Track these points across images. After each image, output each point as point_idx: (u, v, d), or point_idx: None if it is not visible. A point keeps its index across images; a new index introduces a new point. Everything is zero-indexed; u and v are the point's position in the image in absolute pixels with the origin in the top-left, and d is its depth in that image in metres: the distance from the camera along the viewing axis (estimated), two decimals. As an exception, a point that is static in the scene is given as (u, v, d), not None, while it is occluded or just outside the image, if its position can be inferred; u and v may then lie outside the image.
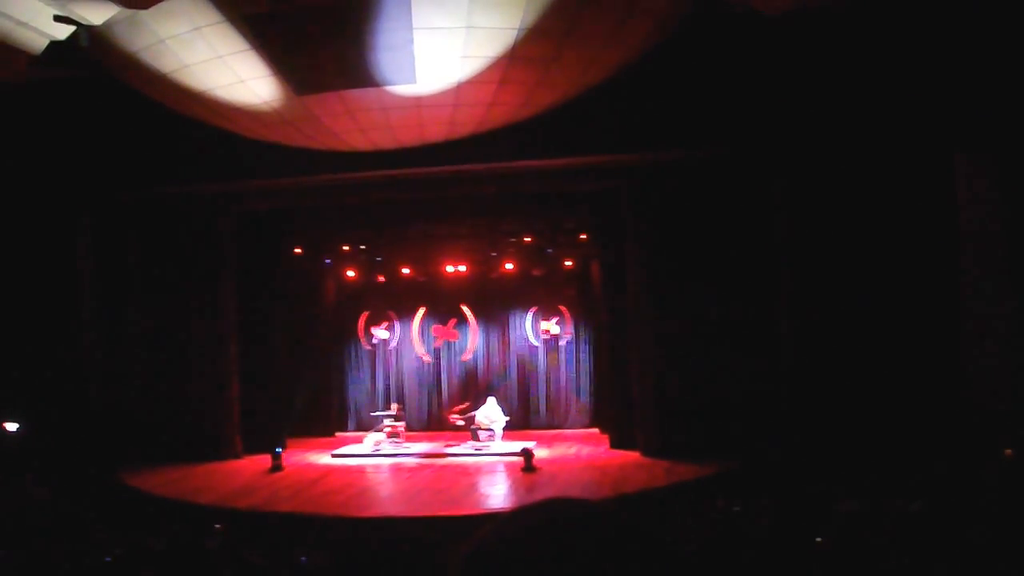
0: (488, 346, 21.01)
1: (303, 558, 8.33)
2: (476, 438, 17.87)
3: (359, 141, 14.24)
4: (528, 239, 19.36)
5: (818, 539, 7.15)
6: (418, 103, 13.07)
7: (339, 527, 12.18)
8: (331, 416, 21.01)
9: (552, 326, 20.50)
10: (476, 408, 18.53)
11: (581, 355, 20.66)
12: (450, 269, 20.16)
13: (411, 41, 11.83)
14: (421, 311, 21.03)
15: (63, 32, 12.47)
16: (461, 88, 12.82)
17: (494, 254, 19.65)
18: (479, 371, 21.03)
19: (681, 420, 16.01)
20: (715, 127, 14.80)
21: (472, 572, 1.25)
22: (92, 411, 16.96)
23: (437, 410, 20.93)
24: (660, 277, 16.33)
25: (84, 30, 12.27)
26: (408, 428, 19.14)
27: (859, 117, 14.17)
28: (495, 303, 20.82)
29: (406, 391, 21.16)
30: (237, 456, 17.66)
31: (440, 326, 20.97)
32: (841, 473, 11.60)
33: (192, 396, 17.67)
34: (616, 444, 17.43)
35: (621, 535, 1.25)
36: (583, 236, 19.14)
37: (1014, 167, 13.80)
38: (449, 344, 21.14)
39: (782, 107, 14.46)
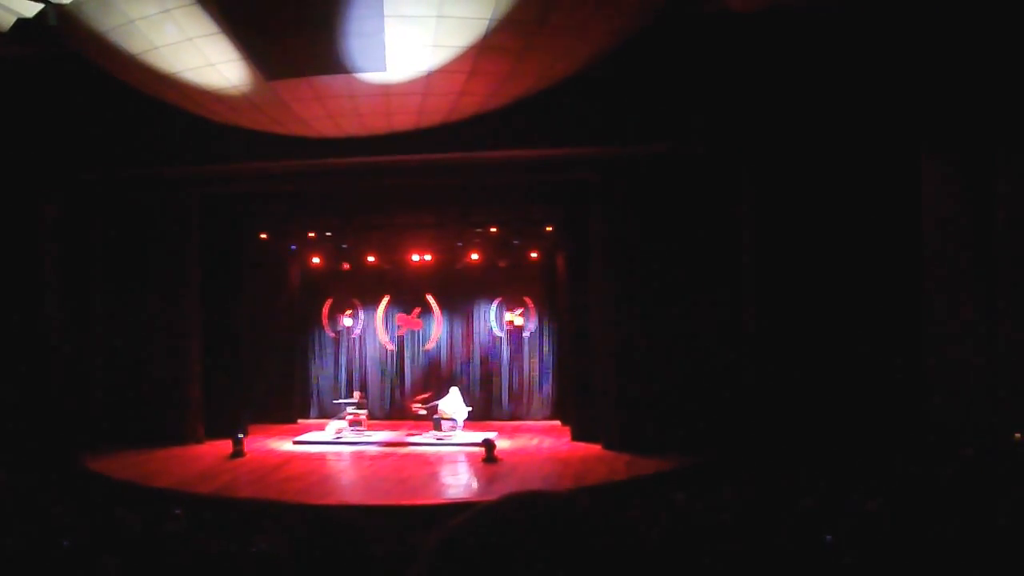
0: (452, 336, 21.00)
1: (262, 544, 8.30)
2: (438, 428, 17.88)
3: (327, 128, 14.19)
4: (494, 230, 19.30)
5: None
6: (387, 91, 13.06)
7: (299, 514, 12.14)
8: (293, 403, 20.91)
9: (516, 317, 20.50)
10: (439, 398, 18.54)
11: (545, 347, 20.68)
12: (416, 258, 20.06)
13: (382, 29, 11.81)
14: (385, 299, 20.99)
15: (31, 10, 12.35)
16: (431, 77, 12.82)
17: (460, 244, 19.59)
18: (442, 361, 21.02)
19: (642, 414, 16.08)
20: (683, 122, 14.86)
21: (443, 561, 1.26)
22: (54, 394, 16.79)
23: (400, 399, 20.90)
24: (624, 271, 16.37)
25: (53, 8, 12.16)
26: (370, 416, 19.08)
27: (827, 115, 14.29)
28: (460, 293, 20.77)
29: (369, 379, 21.11)
30: (199, 441, 17.57)
31: (404, 315, 20.93)
32: (802, 470, 11.69)
33: (154, 380, 17.57)
34: (577, 436, 17.50)
35: (592, 528, 1.27)
36: (549, 228, 19.15)
37: (980, 168, 13.94)
38: (413, 333, 21.10)
39: (751, 104, 14.56)
